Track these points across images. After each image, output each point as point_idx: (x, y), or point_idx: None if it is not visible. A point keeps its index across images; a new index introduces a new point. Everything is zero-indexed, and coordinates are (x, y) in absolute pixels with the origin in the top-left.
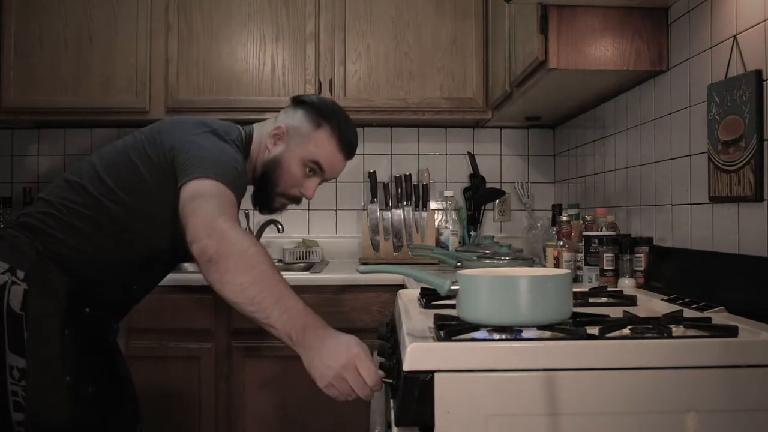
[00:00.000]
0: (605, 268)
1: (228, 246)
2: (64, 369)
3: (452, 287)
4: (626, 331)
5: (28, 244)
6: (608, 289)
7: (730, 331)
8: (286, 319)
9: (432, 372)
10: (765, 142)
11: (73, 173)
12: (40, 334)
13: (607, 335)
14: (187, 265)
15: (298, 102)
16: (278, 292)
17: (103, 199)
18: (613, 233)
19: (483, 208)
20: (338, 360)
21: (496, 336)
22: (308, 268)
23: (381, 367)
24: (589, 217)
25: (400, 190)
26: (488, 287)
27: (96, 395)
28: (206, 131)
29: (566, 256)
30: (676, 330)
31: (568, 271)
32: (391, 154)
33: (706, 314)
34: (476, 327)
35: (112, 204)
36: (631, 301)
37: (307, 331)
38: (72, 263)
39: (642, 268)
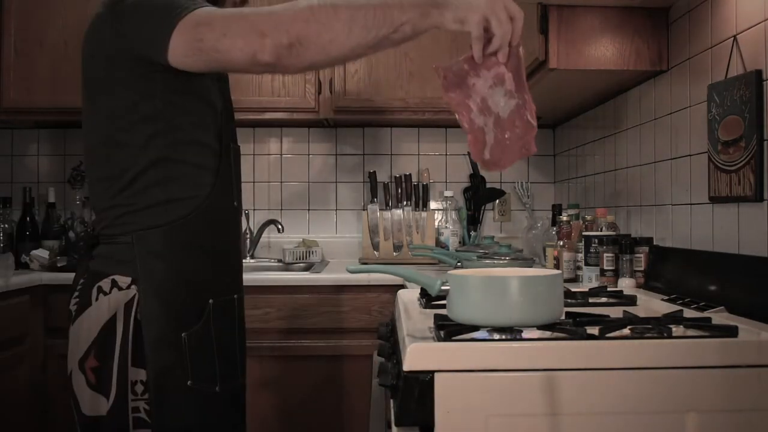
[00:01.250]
0: (605, 268)
1: (292, 20)
2: (186, 373)
3: (443, 287)
4: (626, 331)
5: (126, 250)
6: (608, 289)
7: (730, 331)
8: (409, 7)
9: (432, 372)
10: (765, 142)
11: (87, 165)
12: (159, 342)
13: (607, 335)
14: None
15: None
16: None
17: (131, 149)
18: (613, 233)
19: (483, 208)
20: None
21: (496, 336)
22: (308, 268)
23: (381, 367)
24: (589, 217)
25: (400, 190)
26: (477, 288)
27: (218, 394)
28: None
29: (566, 256)
30: (676, 330)
31: (558, 271)
32: (391, 154)
33: (706, 314)
34: (476, 327)
35: (143, 144)
36: (631, 301)
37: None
38: (167, 246)
39: (642, 268)
